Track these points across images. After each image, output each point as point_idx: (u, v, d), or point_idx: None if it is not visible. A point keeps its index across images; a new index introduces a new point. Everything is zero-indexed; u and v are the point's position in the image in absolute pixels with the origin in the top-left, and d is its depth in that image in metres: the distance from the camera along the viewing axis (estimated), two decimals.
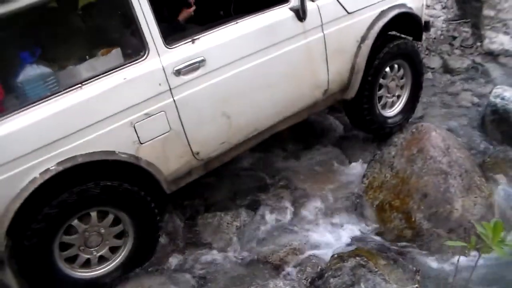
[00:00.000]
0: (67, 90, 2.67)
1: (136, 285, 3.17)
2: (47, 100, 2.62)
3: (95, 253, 3.01)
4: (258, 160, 4.27)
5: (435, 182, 3.51)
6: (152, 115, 2.91)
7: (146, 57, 2.85)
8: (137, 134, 2.88)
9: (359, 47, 3.76)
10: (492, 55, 5.93)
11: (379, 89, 4.12)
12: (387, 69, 4.09)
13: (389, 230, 3.52)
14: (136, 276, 3.23)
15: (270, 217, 3.68)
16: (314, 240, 3.49)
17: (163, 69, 2.89)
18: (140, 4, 2.78)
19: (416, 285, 1.77)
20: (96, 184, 2.84)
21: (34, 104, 2.59)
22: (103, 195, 2.87)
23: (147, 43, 2.84)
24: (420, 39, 4.35)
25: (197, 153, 3.21)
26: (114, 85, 2.77)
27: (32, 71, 2.71)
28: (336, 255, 3.16)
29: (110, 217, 2.99)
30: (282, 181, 4.04)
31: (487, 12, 6.18)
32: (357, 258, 3.04)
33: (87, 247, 2.97)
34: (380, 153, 3.99)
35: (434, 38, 6.15)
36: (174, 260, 3.38)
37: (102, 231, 2.99)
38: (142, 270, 3.28)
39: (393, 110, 4.34)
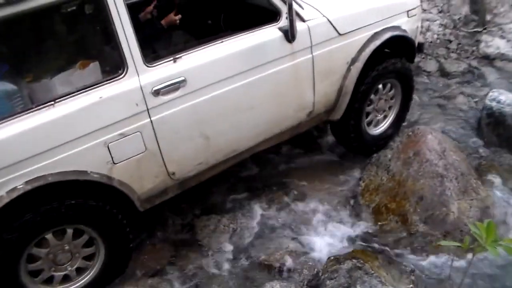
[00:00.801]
0: (38, 107, 2.56)
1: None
2: (15, 118, 2.51)
3: (66, 270, 2.96)
4: (256, 163, 4.28)
5: (431, 185, 3.54)
6: (128, 135, 2.81)
7: (124, 75, 2.74)
8: (110, 154, 2.79)
9: (348, 69, 3.64)
10: (488, 59, 5.94)
11: (368, 106, 4.02)
12: (379, 86, 3.99)
13: (386, 232, 3.53)
14: (132, 280, 3.24)
15: (266, 220, 3.70)
16: (311, 242, 3.50)
17: (141, 89, 2.78)
18: (120, 19, 2.66)
19: (411, 285, 1.78)
20: (61, 203, 2.74)
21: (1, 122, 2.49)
22: (69, 213, 2.78)
23: (126, 61, 2.73)
24: (412, 60, 4.23)
25: (173, 173, 3.13)
26: (89, 103, 2.65)
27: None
28: (332, 257, 3.16)
29: (70, 232, 2.87)
30: (279, 184, 4.04)
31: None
32: (354, 260, 3.05)
33: (57, 265, 2.91)
34: (376, 156, 4.01)
35: (431, 42, 6.17)
36: (169, 263, 3.39)
37: (70, 248, 2.91)
38: (141, 273, 3.30)
39: (379, 128, 4.24)
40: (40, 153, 2.57)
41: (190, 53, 2.98)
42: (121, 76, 2.73)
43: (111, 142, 2.76)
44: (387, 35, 3.75)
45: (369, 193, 3.78)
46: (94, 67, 2.77)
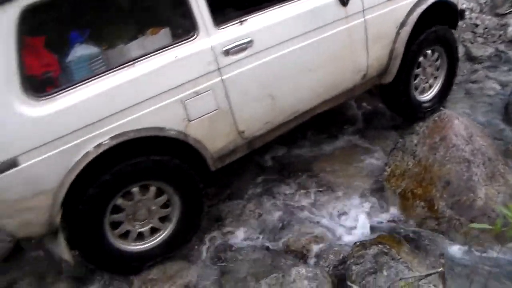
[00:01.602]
0: (120, 67, 2.75)
1: (160, 270, 3.22)
2: (99, 78, 2.70)
3: (141, 228, 3.15)
4: (281, 149, 4.28)
5: (458, 170, 3.49)
6: (201, 93, 2.98)
7: (196, 37, 2.93)
8: (186, 111, 2.96)
9: (398, 32, 3.82)
10: None
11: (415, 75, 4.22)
12: (427, 52, 4.20)
13: (412, 218, 3.51)
14: (160, 262, 3.27)
15: (292, 205, 3.71)
16: (336, 228, 3.50)
17: (212, 49, 2.97)
18: None
19: (441, 269, 1.77)
20: (148, 158, 2.96)
21: (87, 81, 2.67)
22: (154, 168, 3.00)
23: (197, 24, 2.92)
24: (455, 27, 4.40)
25: (242, 132, 3.29)
26: (166, 63, 2.85)
27: (82, 51, 2.84)
28: (358, 243, 3.16)
29: (152, 189, 3.09)
30: (304, 169, 4.05)
31: None
32: (380, 245, 3.05)
33: (134, 221, 3.11)
34: (402, 141, 3.97)
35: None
36: (196, 247, 3.42)
37: (150, 206, 3.12)
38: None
39: (428, 95, 4.44)
40: (123, 110, 2.74)
41: (255, 15, 3.15)
42: (193, 37, 2.92)
43: (186, 100, 2.94)
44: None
45: (395, 179, 3.75)
46: (165, 32, 3.00)
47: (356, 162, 4.13)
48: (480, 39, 5.98)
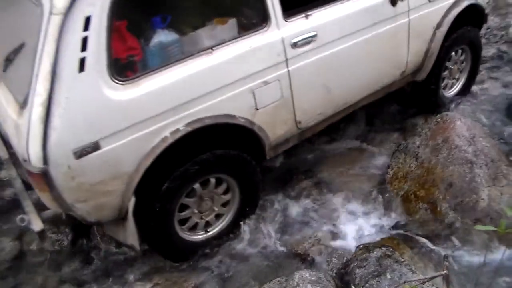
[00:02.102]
0: (199, 55, 2.82)
1: (163, 276, 3.22)
2: (179, 64, 2.76)
3: (204, 218, 3.29)
4: (283, 151, 4.28)
5: (461, 171, 3.49)
6: (269, 83, 3.09)
7: (268, 29, 3.03)
8: (255, 100, 3.06)
9: (434, 33, 4.08)
10: None
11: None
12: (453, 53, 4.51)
13: (415, 220, 3.50)
14: (161, 268, 3.28)
15: (295, 208, 3.70)
16: (339, 231, 3.50)
17: (282, 41, 3.08)
18: None
19: (445, 271, 1.76)
20: (213, 154, 3.05)
21: (168, 67, 2.72)
22: (218, 162, 3.10)
23: (269, 15, 3.03)
24: (480, 28, 4.76)
25: (299, 122, 3.43)
26: (241, 52, 2.94)
27: (165, 37, 2.87)
28: (361, 246, 3.16)
29: (224, 184, 3.27)
30: (306, 172, 4.04)
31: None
32: (383, 248, 3.04)
33: (200, 213, 3.25)
34: (404, 143, 3.98)
35: None
36: (199, 251, 3.38)
37: (211, 196, 3.24)
38: (166, 261, 3.33)
39: (452, 91, 4.77)
40: (200, 97, 2.82)
41: (319, 10, 3.30)
42: (265, 29, 3.03)
43: (256, 89, 3.04)
44: (466, 3, 4.23)
45: (398, 181, 3.75)
46: (238, 22, 3.09)
47: (358, 165, 4.13)
48: (482, 40, 5.96)
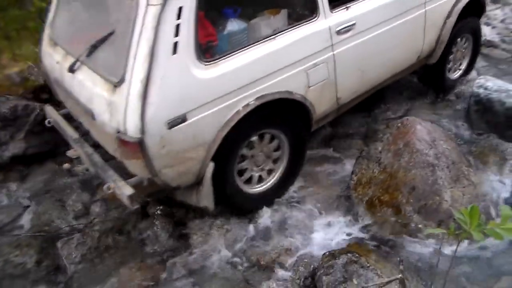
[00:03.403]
0: (263, 41, 3.28)
1: None
2: (249, 48, 3.21)
3: (258, 172, 3.74)
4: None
5: (423, 174, 3.53)
6: (319, 65, 3.58)
7: (317, 19, 3.52)
8: (308, 79, 3.54)
9: (445, 22, 4.62)
10: None
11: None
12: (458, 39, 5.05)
13: (380, 225, 3.52)
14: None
15: (260, 219, 3.68)
16: (305, 239, 3.49)
17: (329, 29, 3.58)
18: None
19: (400, 275, 1.78)
20: (271, 111, 3.47)
21: (238, 51, 3.16)
22: (275, 119, 3.58)
23: (318, 8, 3.52)
24: (480, 17, 5.30)
25: (339, 98, 3.93)
26: (297, 38, 3.41)
27: (236, 25, 3.51)
28: (327, 253, 3.16)
29: (276, 141, 3.71)
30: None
31: None
32: (349, 254, 3.05)
33: (256, 166, 3.69)
34: (367, 149, 4.00)
35: None
36: (163, 268, 3.38)
37: (265, 151, 3.68)
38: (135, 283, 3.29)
39: (456, 74, 5.30)
40: (266, 76, 3.28)
41: (356, 3, 3.81)
42: (315, 18, 3.52)
43: (309, 70, 3.53)
44: None
45: (362, 187, 3.77)
46: (293, 13, 3.71)
47: (322, 172, 4.14)
48: None
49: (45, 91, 4.71)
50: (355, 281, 2.87)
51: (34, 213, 3.94)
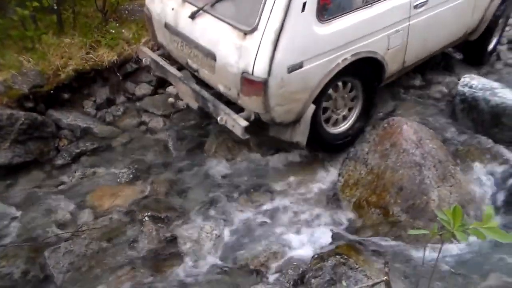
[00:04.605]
0: (362, 7, 3.81)
1: None
2: (351, 13, 3.74)
3: (340, 114, 4.29)
4: (234, 166, 4.27)
5: (410, 174, 3.54)
6: (398, 32, 4.12)
7: None
8: (388, 43, 4.09)
9: (489, 4, 5.10)
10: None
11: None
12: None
13: (368, 226, 3.53)
14: None
15: (249, 223, 3.68)
16: (294, 242, 3.50)
17: (410, 3, 4.12)
18: None
19: (385, 277, 1.78)
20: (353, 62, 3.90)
21: (344, 14, 3.69)
22: (355, 69, 3.98)
23: None
24: None
25: (405, 62, 4.48)
26: (387, 8, 3.95)
27: None
28: (316, 255, 3.17)
29: (348, 86, 4.19)
30: (256, 185, 4.04)
31: None
32: (337, 256, 3.07)
33: (336, 109, 4.24)
34: (353, 150, 4.01)
35: None
36: (152, 275, 3.35)
37: (345, 96, 4.21)
38: None
39: (490, 46, 5.73)
40: (361, 37, 3.82)
41: None
42: None
43: (391, 35, 4.07)
44: None
45: (349, 188, 3.78)
46: None
47: (309, 174, 4.14)
48: None
49: (29, 100, 4.68)
50: (344, 283, 2.88)
51: (20, 222, 3.88)
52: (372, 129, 4.12)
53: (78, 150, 4.59)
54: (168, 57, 4.55)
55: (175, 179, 4.19)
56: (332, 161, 4.26)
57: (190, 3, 3.94)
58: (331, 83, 3.87)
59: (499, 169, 3.93)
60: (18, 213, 3.99)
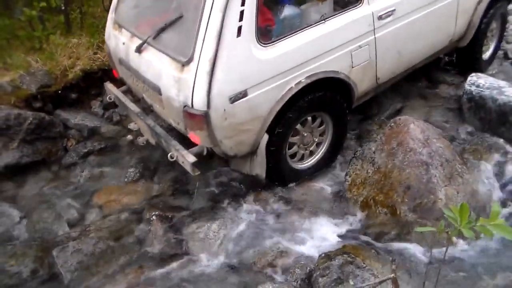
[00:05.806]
0: (315, 24, 3.57)
1: None
2: (301, 31, 3.49)
3: (306, 150, 4.06)
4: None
5: (417, 173, 3.54)
6: (362, 47, 3.86)
7: (362, 5, 3.80)
8: (352, 60, 3.81)
9: (475, 8, 4.88)
10: None
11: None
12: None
13: (375, 225, 3.53)
14: None
15: (256, 222, 3.68)
16: (301, 241, 3.50)
17: (372, 14, 3.84)
18: None
19: (392, 275, 1.78)
20: (323, 95, 3.77)
21: (293, 34, 3.46)
22: (324, 102, 3.84)
23: None
24: (509, 4, 5.56)
25: (378, 78, 4.20)
26: (344, 23, 3.69)
27: (291, 10, 3.72)
28: (323, 254, 3.17)
29: (318, 120, 3.96)
30: (265, 185, 4.02)
31: None
32: (345, 255, 3.06)
33: (303, 144, 4.00)
34: (360, 149, 4.01)
35: None
36: (160, 274, 3.36)
37: (313, 132, 3.98)
38: None
39: (487, 55, 5.58)
40: (315, 57, 3.56)
41: None
42: (360, 4, 3.80)
43: (353, 51, 3.80)
44: None
45: (356, 187, 3.78)
46: (335, 0, 3.90)
47: (316, 174, 4.14)
48: None
49: (37, 100, 4.71)
50: (351, 282, 2.88)
51: (29, 222, 3.92)
52: (379, 129, 4.10)
53: (85, 150, 4.63)
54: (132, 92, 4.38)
55: (182, 178, 4.19)
56: (340, 160, 4.26)
57: (137, 37, 3.75)
58: (293, 112, 3.64)
59: (507, 168, 3.92)
60: (27, 213, 4.02)
